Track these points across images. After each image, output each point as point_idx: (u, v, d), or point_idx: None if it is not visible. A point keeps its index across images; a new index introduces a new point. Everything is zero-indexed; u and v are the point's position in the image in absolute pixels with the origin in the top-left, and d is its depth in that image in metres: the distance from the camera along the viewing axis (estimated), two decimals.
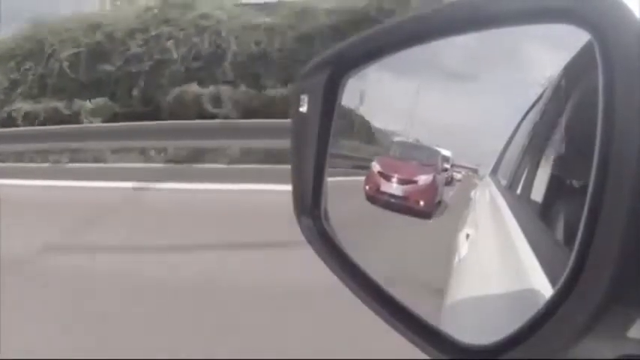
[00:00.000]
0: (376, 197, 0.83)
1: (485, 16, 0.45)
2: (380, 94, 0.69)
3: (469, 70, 0.63)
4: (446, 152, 0.77)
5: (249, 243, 4.39)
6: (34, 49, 9.94)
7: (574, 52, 0.47)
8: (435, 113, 0.68)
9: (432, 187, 0.87)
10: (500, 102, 0.61)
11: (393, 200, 0.86)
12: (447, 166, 0.78)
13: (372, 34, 0.54)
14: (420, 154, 0.86)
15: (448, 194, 0.84)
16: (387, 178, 0.85)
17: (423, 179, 0.88)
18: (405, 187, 0.87)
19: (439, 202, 0.87)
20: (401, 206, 0.87)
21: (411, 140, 0.80)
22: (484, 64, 0.60)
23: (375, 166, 0.83)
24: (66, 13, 10.17)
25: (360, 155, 0.81)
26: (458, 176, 0.77)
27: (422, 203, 0.86)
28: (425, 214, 0.86)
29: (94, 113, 9.20)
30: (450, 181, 0.80)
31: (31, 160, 8.92)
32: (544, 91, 0.62)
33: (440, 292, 0.71)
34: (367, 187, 0.82)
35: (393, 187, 0.86)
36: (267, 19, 8.81)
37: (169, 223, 5.04)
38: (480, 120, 0.63)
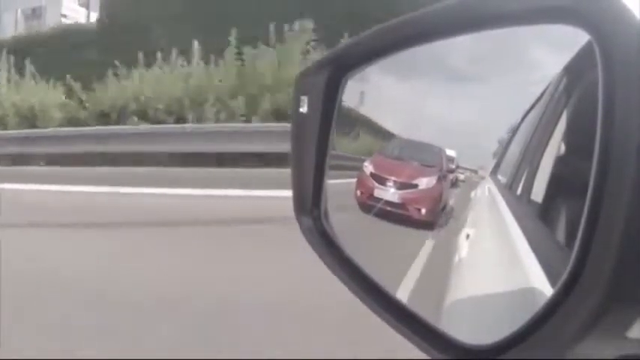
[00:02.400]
0: (369, 205, 0.71)
1: (485, 17, 0.45)
2: (381, 95, 0.69)
3: (470, 71, 0.63)
4: (450, 152, 0.69)
5: None
6: None
7: (574, 53, 0.47)
8: (436, 114, 0.68)
9: (436, 191, 0.74)
10: (502, 103, 0.61)
11: (388, 208, 0.73)
12: (453, 166, 0.70)
13: (372, 34, 0.54)
14: (422, 153, 0.74)
15: (452, 197, 0.75)
16: (382, 182, 0.72)
17: (425, 182, 0.75)
18: (403, 192, 0.74)
19: (444, 208, 0.75)
20: (398, 215, 0.73)
21: (412, 138, 0.72)
22: (484, 65, 0.60)
23: (368, 168, 0.71)
24: None
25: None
26: (461, 177, 0.71)
27: (423, 211, 0.73)
28: (426, 225, 0.73)
29: None
30: (454, 183, 0.71)
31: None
32: (544, 91, 0.62)
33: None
34: (358, 193, 0.71)
35: (389, 193, 0.73)
36: None
37: None
38: (482, 121, 0.63)
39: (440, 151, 0.70)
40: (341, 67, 0.57)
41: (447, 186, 0.72)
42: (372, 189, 0.71)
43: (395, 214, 0.73)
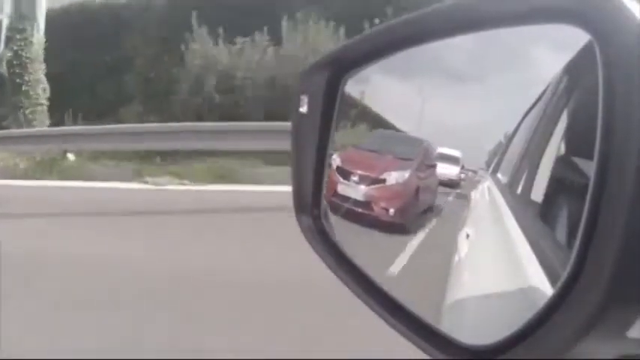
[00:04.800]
0: (336, 204, 0.59)
1: (485, 17, 0.45)
2: (380, 95, 0.69)
3: (470, 71, 0.62)
4: (455, 153, 0.63)
5: None
6: None
7: (574, 53, 0.47)
8: (435, 114, 0.68)
9: (408, 188, 0.62)
10: (502, 103, 0.61)
11: (353, 208, 0.60)
12: (456, 167, 0.62)
13: (372, 34, 0.54)
14: (400, 146, 0.62)
15: (449, 196, 0.68)
16: (346, 176, 0.60)
17: (394, 177, 0.62)
18: (368, 188, 0.62)
19: (426, 211, 0.62)
20: (362, 216, 0.60)
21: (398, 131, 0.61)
22: (485, 65, 0.60)
23: (335, 160, 0.59)
24: None
25: None
26: (462, 176, 0.68)
27: (391, 211, 0.61)
28: (397, 227, 0.60)
29: None
30: (457, 184, 0.66)
31: None
32: (544, 91, 0.62)
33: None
34: (325, 190, 0.58)
35: (352, 189, 0.61)
36: None
37: None
38: (481, 121, 0.63)
39: (422, 144, 0.59)
40: (341, 67, 0.57)
41: (433, 183, 0.60)
42: (336, 184, 0.60)
43: (358, 215, 0.60)
